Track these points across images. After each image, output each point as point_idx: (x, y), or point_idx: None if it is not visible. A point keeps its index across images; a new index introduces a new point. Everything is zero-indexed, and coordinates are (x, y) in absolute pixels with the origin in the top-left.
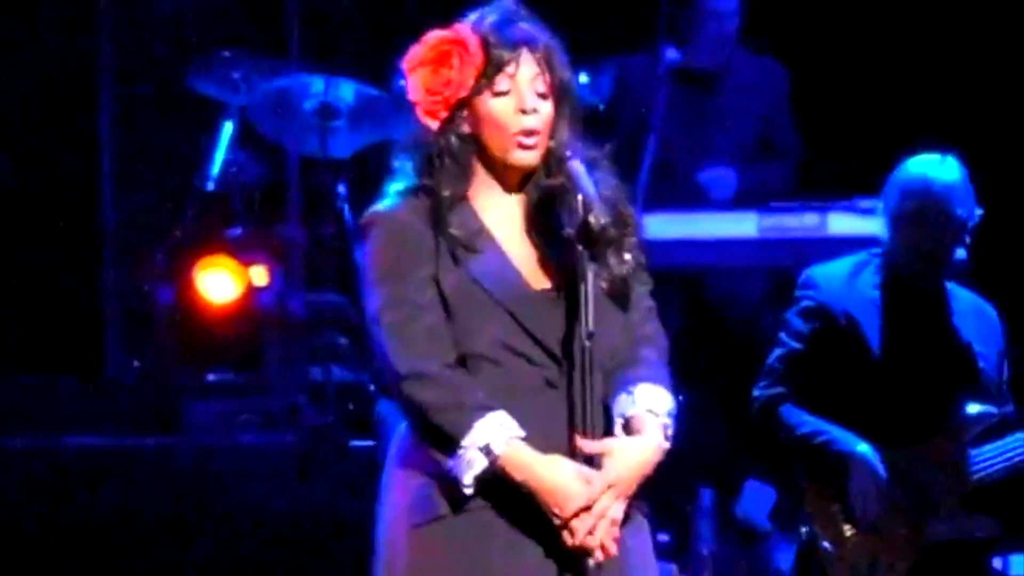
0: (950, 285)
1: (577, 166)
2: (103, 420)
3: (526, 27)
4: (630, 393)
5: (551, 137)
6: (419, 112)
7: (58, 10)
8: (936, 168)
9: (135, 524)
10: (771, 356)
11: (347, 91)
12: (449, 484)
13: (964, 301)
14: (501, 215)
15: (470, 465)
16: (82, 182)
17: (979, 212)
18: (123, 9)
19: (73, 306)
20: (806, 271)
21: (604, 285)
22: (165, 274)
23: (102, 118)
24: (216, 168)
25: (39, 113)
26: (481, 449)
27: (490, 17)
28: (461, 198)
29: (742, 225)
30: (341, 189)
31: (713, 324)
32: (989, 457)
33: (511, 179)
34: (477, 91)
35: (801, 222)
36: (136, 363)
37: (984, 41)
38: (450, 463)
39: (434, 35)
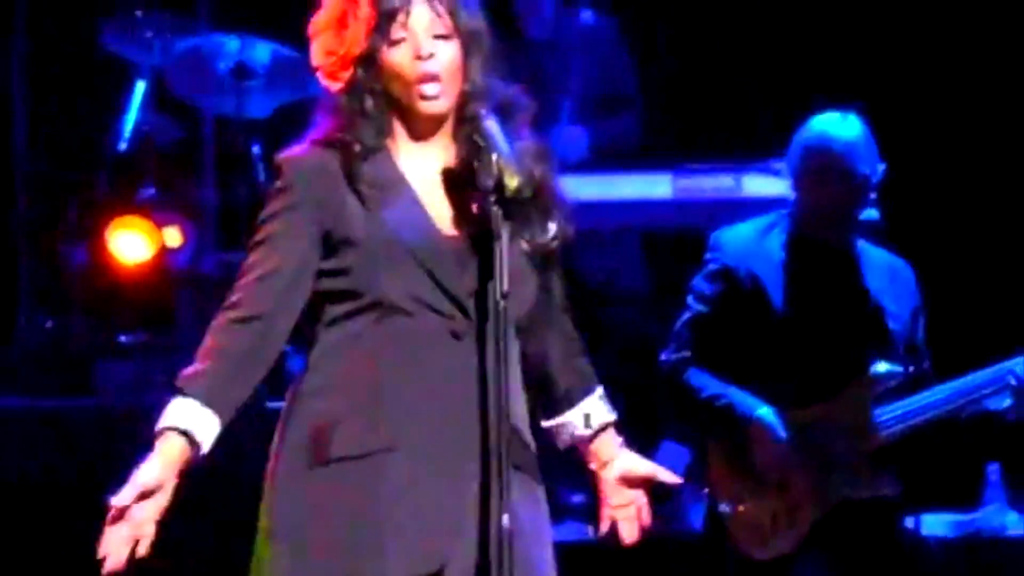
0: (862, 244)
1: (491, 125)
2: (14, 381)
3: None
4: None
5: (465, 80)
6: (320, 76)
7: None
8: (836, 126)
9: (44, 486)
10: (679, 320)
11: (263, 51)
12: (346, 426)
13: (876, 260)
14: (420, 164)
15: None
16: None
17: (882, 168)
18: None
19: None
20: (714, 234)
21: (525, 245)
22: (78, 234)
23: (15, 78)
24: (129, 128)
25: None
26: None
27: None
28: (378, 149)
29: (656, 187)
30: (256, 149)
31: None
32: (898, 414)
33: (426, 127)
34: (376, 45)
35: (716, 183)
36: (48, 323)
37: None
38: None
39: None
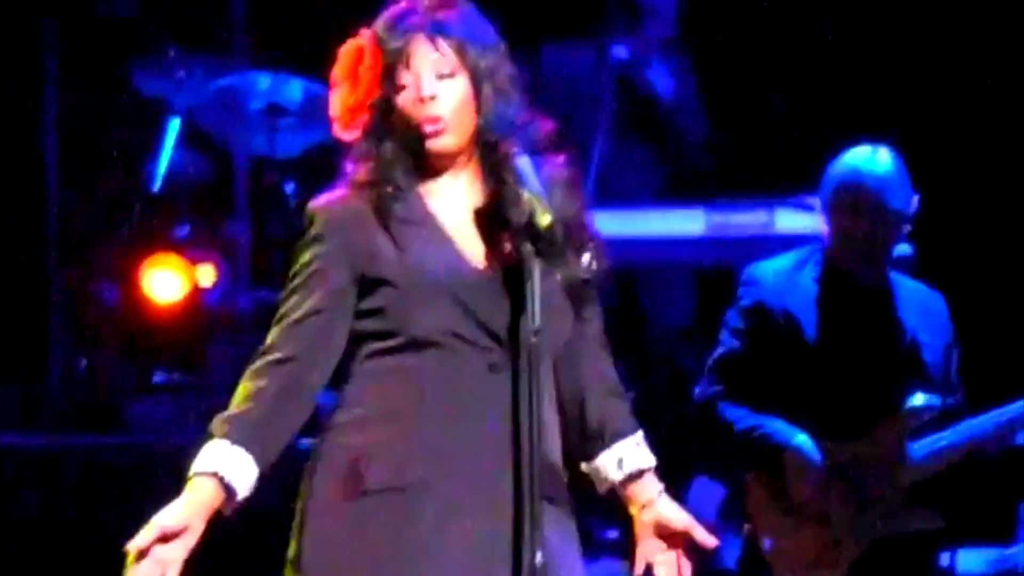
0: (895, 276)
1: (523, 163)
2: (46, 419)
3: (423, 10)
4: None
5: (478, 115)
6: (336, 126)
7: (1, 9)
8: (868, 161)
9: (77, 525)
10: (712, 355)
11: (295, 89)
12: (382, 458)
13: (909, 292)
14: (447, 202)
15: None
16: (27, 182)
17: (916, 200)
18: (67, 5)
19: (18, 305)
20: (747, 268)
21: (559, 279)
22: (111, 273)
23: (47, 117)
24: (162, 167)
25: None
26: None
27: (384, 16)
28: (408, 193)
29: (689, 223)
30: (289, 188)
31: (658, 323)
32: (933, 448)
33: (445, 164)
34: (386, 92)
35: (749, 219)
36: (81, 362)
37: (926, 32)
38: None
39: (345, 47)
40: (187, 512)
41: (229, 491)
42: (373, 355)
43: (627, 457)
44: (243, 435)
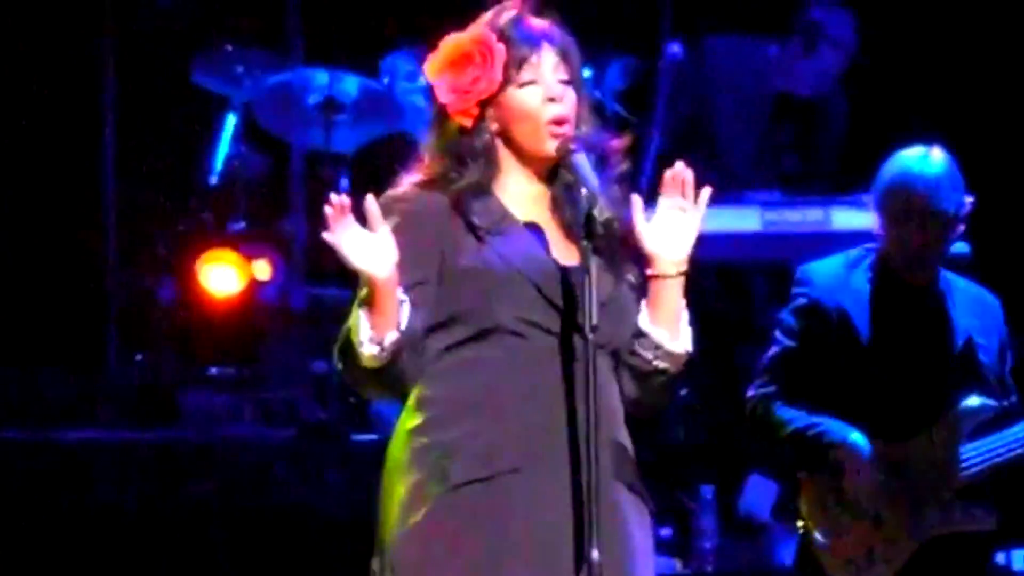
0: (949, 277)
1: (581, 159)
2: (104, 413)
3: (541, 22)
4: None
5: (576, 126)
6: (451, 113)
7: (61, 3)
8: (919, 163)
9: (134, 517)
10: (766, 354)
11: (351, 85)
12: (468, 451)
13: (963, 292)
14: (525, 206)
15: (357, 322)
16: (85, 176)
17: (969, 201)
18: (126, 3)
19: (76, 299)
20: (801, 267)
21: (631, 279)
22: (168, 268)
23: (105, 112)
24: (219, 162)
25: (42, 108)
26: (360, 304)
27: (504, 16)
28: (485, 190)
29: (745, 219)
30: (344, 183)
31: (714, 320)
32: (987, 449)
33: (537, 171)
34: (503, 86)
35: (804, 216)
36: (138, 356)
37: (981, 32)
38: (351, 342)
39: (452, 38)
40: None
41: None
42: (447, 349)
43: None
44: None
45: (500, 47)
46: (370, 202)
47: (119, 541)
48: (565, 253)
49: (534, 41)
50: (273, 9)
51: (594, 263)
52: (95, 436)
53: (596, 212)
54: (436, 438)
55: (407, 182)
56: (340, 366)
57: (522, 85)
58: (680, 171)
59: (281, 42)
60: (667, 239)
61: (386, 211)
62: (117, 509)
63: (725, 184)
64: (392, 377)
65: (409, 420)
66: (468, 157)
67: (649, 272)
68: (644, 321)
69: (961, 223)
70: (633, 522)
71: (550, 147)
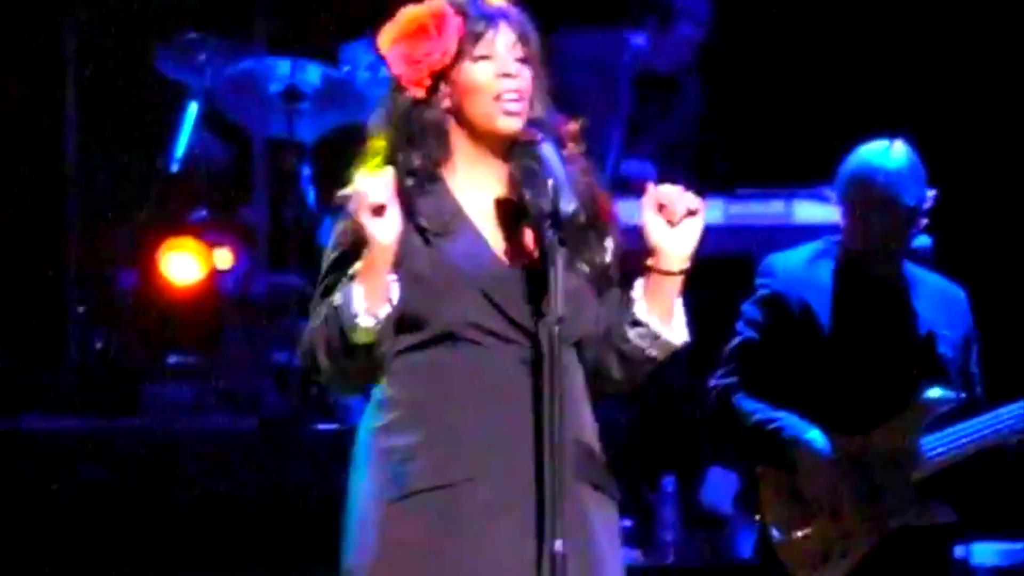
0: (913, 269)
1: (547, 149)
2: (63, 402)
3: (499, 2)
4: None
5: (531, 108)
6: (403, 83)
7: None
8: (881, 155)
9: (94, 506)
10: (728, 345)
11: (313, 74)
12: (425, 458)
13: (927, 285)
14: (475, 193)
15: (349, 296)
16: (47, 164)
17: (932, 194)
18: None
19: (37, 287)
20: (765, 259)
21: (586, 269)
22: (129, 256)
23: (66, 99)
24: (181, 150)
25: (3, 95)
26: (349, 280)
27: None
28: (436, 179)
29: (708, 211)
30: (306, 171)
31: None
32: (947, 442)
33: (490, 147)
34: (457, 60)
35: (767, 209)
36: (98, 344)
37: (947, 26)
38: (342, 317)
39: (409, 10)
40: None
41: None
42: (404, 351)
43: (634, 298)
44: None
45: (456, 20)
46: (388, 173)
47: (79, 530)
48: (515, 251)
49: (491, 18)
50: None
51: (560, 256)
52: (55, 425)
53: (563, 204)
54: (394, 443)
55: (363, 172)
56: (318, 356)
57: (476, 59)
58: (658, 195)
59: (244, 30)
60: (673, 234)
61: (338, 209)
62: (77, 498)
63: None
64: (373, 361)
65: (372, 420)
66: (419, 132)
67: (652, 265)
68: (642, 311)
69: (923, 216)
70: (596, 519)
71: (501, 124)
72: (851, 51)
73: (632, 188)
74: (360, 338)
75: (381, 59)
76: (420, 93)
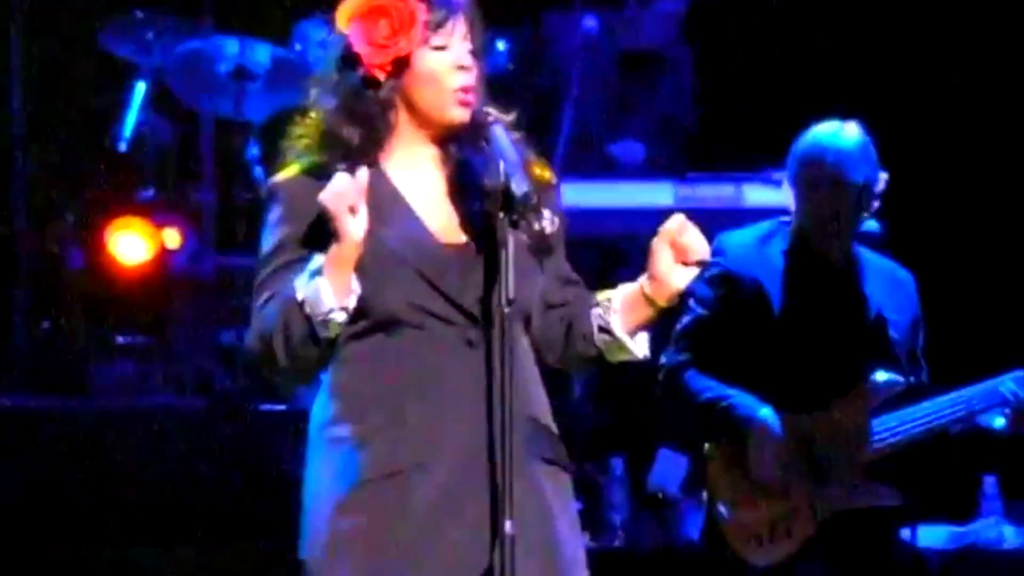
0: (862, 252)
1: (499, 132)
2: (11, 382)
3: None
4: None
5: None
6: (366, 64)
7: None
8: (830, 136)
9: (40, 487)
10: (679, 323)
11: (262, 53)
12: (375, 445)
13: (876, 268)
14: (412, 176)
15: (317, 292)
16: None
17: (883, 177)
18: None
19: None
20: (716, 238)
21: (525, 238)
22: (76, 236)
23: (14, 78)
24: (128, 129)
25: None
26: (312, 276)
27: None
28: (370, 161)
29: (658, 194)
30: (254, 151)
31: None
32: (893, 426)
33: (432, 134)
34: (420, 46)
35: (717, 192)
36: (45, 324)
37: (905, 12)
38: (313, 313)
39: None
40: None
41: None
42: (349, 339)
43: (612, 308)
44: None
45: (420, 6)
46: (361, 175)
47: (27, 510)
48: (455, 232)
49: (449, 7)
50: None
51: (511, 237)
52: (2, 404)
53: (515, 186)
54: (341, 433)
55: (292, 158)
56: (276, 355)
57: (433, 48)
58: (679, 231)
59: (192, 9)
60: (676, 271)
61: (271, 198)
62: (24, 479)
63: (586, 151)
64: (330, 352)
65: (320, 412)
66: (364, 112)
67: (644, 290)
68: (618, 327)
69: (874, 198)
70: (552, 496)
71: (453, 114)
72: (806, 36)
73: (619, 169)
74: (331, 331)
75: (337, 35)
76: (381, 76)
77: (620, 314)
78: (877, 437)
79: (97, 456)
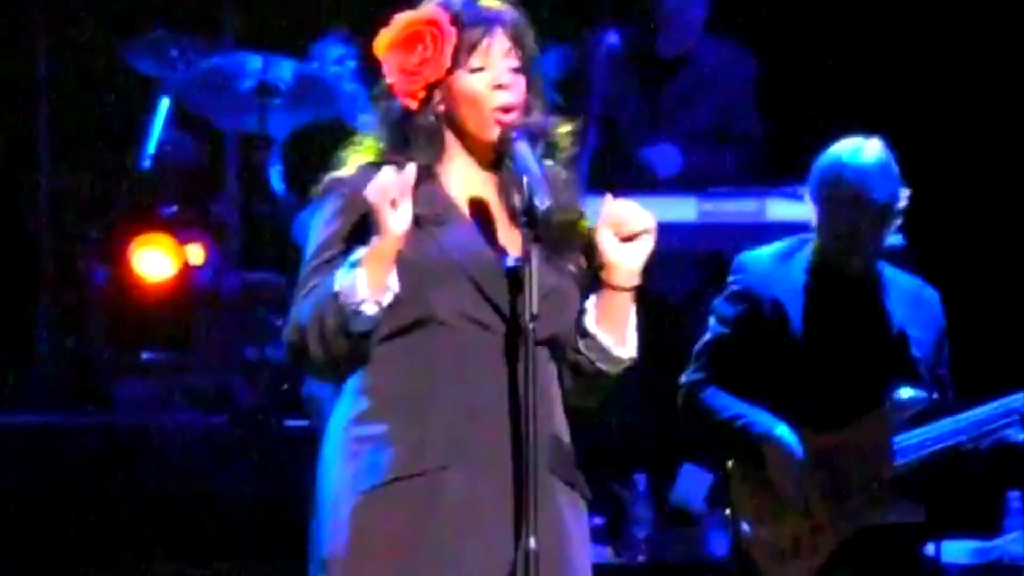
0: (886, 269)
1: (522, 148)
2: (34, 398)
3: (494, 4)
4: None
5: (526, 114)
6: (397, 93)
7: None
8: (852, 153)
9: (65, 502)
10: (700, 341)
11: (285, 70)
12: (400, 445)
13: (900, 286)
14: (471, 192)
15: (353, 282)
16: (18, 159)
17: (906, 194)
18: None
19: (7, 283)
20: (738, 256)
21: (572, 268)
22: (100, 252)
23: (39, 95)
24: (152, 146)
25: None
26: (351, 267)
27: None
28: (431, 175)
29: (681, 209)
30: (278, 168)
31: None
32: (916, 443)
33: (484, 156)
34: (452, 69)
35: (740, 207)
36: (69, 340)
37: (933, 26)
38: (345, 305)
39: (403, 16)
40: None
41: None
42: (385, 338)
43: (587, 309)
44: None
45: (451, 30)
46: (409, 170)
47: (51, 526)
48: (511, 243)
49: (486, 24)
50: None
51: (535, 253)
52: (27, 421)
53: (537, 201)
54: (369, 431)
55: (353, 163)
56: (309, 342)
57: (472, 70)
58: (611, 211)
59: (215, 26)
60: (625, 250)
61: (328, 192)
62: (48, 495)
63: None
64: (365, 347)
65: (346, 410)
66: (412, 137)
67: (603, 279)
68: (591, 323)
69: (896, 215)
70: (569, 515)
71: (494, 134)
72: (830, 52)
73: (647, 181)
74: (362, 325)
75: (367, 67)
76: (413, 104)
77: (592, 311)
78: (900, 454)
79: (120, 472)
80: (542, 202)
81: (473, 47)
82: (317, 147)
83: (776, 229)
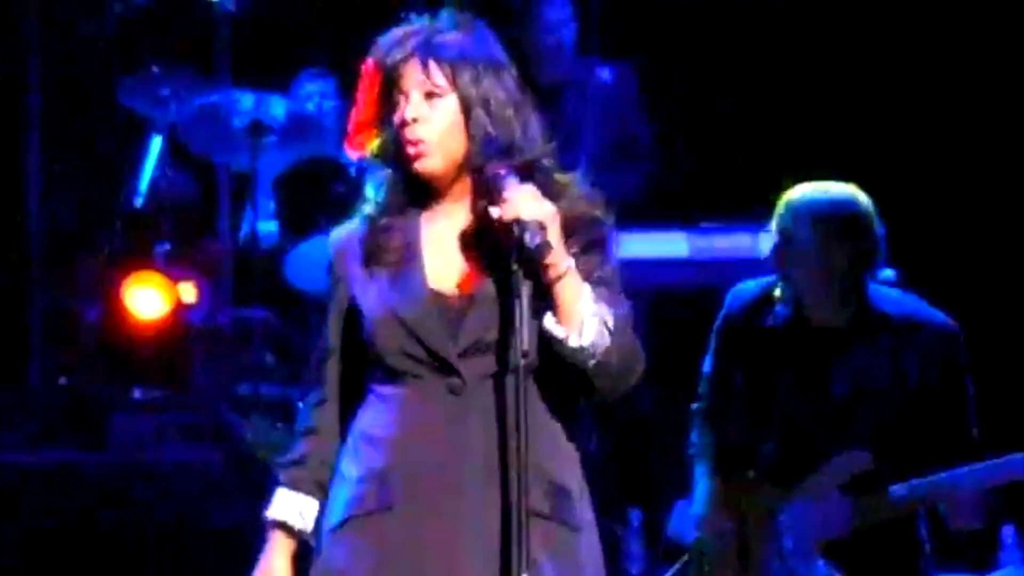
0: (884, 309)
1: (512, 184)
2: (27, 436)
3: (420, 32)
4: None
5: (468, 137)
6: (351, 147)
7: None
8: (813, 198)
9: (58, 541)
10: (702, 374)
11: (278, 108)
12: (364, 484)
13: (895, 328)
14: (443, 224)
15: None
16: (10, 196)
17: (880, 233)
18: (51, 24)
19: None
20: (731, 290)
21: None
22: (93, 290)
23: (31, 133)
24: (145, 184)
25: None
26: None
27: (389, 34)
28: (403, 212)
29: (673, 245)
30: (271, 205)
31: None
32: (856, 510)
33: (440, 188)
34: (384, 114)
35: (732, 242)
36: (62, 379)
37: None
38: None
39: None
40: (274, 563)
41: (296, 533)
42: (369, 386)
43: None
44: (299, 480)
45: (374, 75)
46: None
47: (42, 565)
48: (470, 282)
49: (398, 59)
50: (200, 31)
51: (525, 288)
52: (17, 459)
53: (527, 238)
54: (343, 471)
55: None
56: None
57: (394, 109)
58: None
59: (208, 64)
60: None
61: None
62: (40, 532)
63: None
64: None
65: (343, 449)
66: (382, 185)
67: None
68: (549, 322)
69: (872, 256)
70: (543, 552)
71: (415, 168)
72: (812, 85)
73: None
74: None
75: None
76: (354, 155)
77: (549, 312)
78: (838, 519)
79: (115, 509)
80: (532, 239)
81: (391, 86)
82: (311, 185)
83: (769, 264)
